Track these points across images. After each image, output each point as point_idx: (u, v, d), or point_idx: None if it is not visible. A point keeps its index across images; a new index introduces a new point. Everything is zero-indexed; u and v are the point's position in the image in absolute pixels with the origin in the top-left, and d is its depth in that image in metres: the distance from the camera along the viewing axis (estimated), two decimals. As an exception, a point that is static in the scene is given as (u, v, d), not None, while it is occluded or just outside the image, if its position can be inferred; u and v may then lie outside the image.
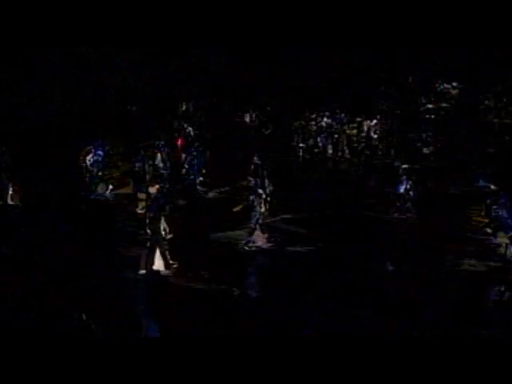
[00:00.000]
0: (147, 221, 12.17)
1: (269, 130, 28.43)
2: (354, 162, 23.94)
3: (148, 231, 12.12)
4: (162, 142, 19.77)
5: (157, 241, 12.06)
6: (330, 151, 24.82)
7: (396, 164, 19.22)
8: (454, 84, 39.14)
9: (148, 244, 12.15)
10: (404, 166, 18.35)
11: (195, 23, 23.56)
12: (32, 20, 21.69)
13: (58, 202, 16.72)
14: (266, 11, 23.47)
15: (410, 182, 16.38)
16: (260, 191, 14.22)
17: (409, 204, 16.33)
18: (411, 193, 16.30)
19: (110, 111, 28.38)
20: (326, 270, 12.63)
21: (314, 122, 26.39)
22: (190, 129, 24.71)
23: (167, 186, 16.58)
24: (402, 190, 16.35)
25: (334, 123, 26.10)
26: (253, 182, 16.93)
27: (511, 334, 9.88)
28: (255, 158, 18.38)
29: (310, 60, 33.17)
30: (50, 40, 22.93)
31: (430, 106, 36.00)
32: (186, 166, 19.40)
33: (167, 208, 12.58)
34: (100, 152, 18.04)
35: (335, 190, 19.28)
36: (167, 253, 12.13)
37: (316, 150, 25.12)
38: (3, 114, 24.41)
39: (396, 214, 16.32)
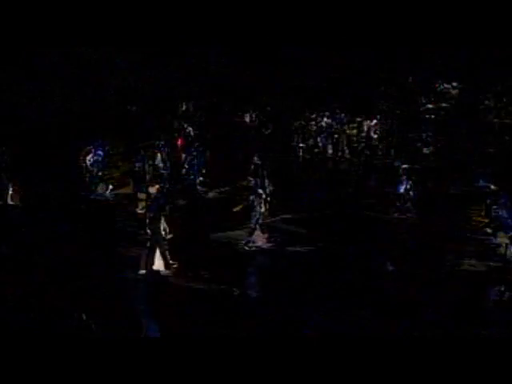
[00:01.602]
0: (147, 221, 12.17)
1: (269, 130, 28.41)
2: (354, 162, 23.92)
3: (148, 231, 12.12)
4: (162, 142, 19.78)
5: (157, 241, 12.06)
6: (330, 151, 24.82)
7: (396, 164, 19.18)
8: (454, 84, 39.13)
9: (148, 244, 12.15)
10: (404, 165, 18.33)
11: (195, 23, 23.55)
12: (32, 20, 21.68)
13: (58, 202, 16.71)
14: (265, 11, 23.47)
15: (410, 182, 16.37)
16: (260, 191, 14.21)
17: (409, 204, 16.33)
18: (411, 193, 16.30)
19: (110, 111, 28.37)
20: (326, 269, 12.62)
21: (314, 122, 26.36)
22: (190, 129, 24.71)
23: (167, 186, 16.58)
24: (402, 190, 16.35)
25: (334, 123, 26.06)
26: (253, 182, 16.93)
27: (511, 334, 9.88)
28: (255, 158, 18.38)
29: (310, 60, 33.15)
30: (50, 40, 22.92)
31: (430, 105, 35.96)
32: (186, 166, 19.40)
33: (167, 208, 12.58)
34: (100, 152, 18.04)
35: (335, 189, 19.26)
36: (167, 253, 12.13)
37: (316, 150, 25.11)
38: (3, 113, 24.41)
39: (396, 214, 16.32)
